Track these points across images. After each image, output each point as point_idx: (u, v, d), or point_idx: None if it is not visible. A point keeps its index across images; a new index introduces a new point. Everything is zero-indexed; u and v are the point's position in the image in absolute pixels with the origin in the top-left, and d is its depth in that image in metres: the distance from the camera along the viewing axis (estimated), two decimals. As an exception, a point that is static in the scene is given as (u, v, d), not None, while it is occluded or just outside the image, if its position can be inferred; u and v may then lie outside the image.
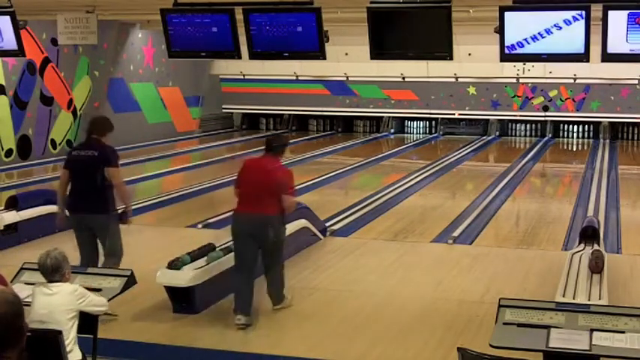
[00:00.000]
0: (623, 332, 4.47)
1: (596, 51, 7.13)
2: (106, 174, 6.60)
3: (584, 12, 7.07)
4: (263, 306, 6.89)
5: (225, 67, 23.05)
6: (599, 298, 6.26)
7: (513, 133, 22.84)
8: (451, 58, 7.65)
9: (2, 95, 16.03)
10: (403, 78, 22.19)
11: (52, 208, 9.64)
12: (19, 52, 9.58)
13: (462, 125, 22.94)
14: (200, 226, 10.08)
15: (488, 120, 22.64)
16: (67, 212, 6.89)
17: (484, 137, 22.28)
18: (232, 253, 6.80)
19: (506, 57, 7.47)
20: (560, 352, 4.41)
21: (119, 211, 6.88)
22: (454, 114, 22.58)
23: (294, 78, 22.80)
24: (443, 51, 7.63)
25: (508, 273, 8.08)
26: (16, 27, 9.30)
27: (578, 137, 22.45)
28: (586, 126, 22.35)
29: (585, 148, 20.79)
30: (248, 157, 7.48)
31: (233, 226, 6.61)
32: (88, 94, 18.73)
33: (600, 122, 21.88)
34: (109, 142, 6.82)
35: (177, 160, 17.26)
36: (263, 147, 6.81)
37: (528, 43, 7.28)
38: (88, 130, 6.84)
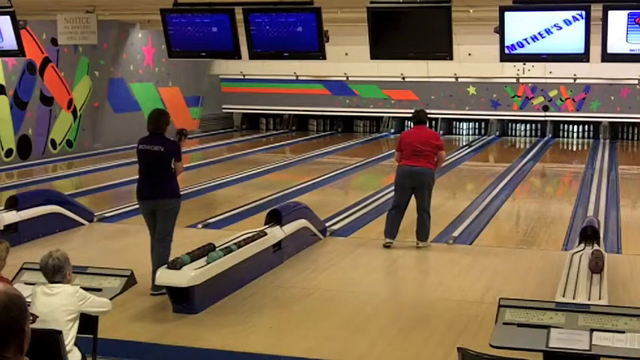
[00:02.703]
0: (623, 332, 4.47)
1: (596, 51, 7.13)
2: (172, 165, 7.22)
3: (584, 12, 7.07)
4: (264, 306, 6.90)
5: (225, 67, 23.03)
6: (599, 298, 6.26)
7: (513, 133, 22.83)
8: (451, 58, 7.65)
9: (2, 95, 16.02)
10: (403, 78, 22.18)
11: (52, 208, 9.67)
12: (19, 52, 9.58)
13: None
14: (200, 226, 10.07)
15: (488, 120, 22.66)
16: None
17: (484, 137, 22.31)
18: (232, 253, 7.24)
19: (506, 57, 7.47)
20: (560, 352, 4.41)
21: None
22: (454, 114, 22.58)
23: (294, 78, 22.77)
24: (443, 51, 7.64)
25: (508, 273, 8.08)
26: (16, 27, 9.31)
27: (578, 137, 22.44)
28: (586, 126, 22.34)
29: (585, 148, 20.77)
30: (404, 131, 9.63)
31: (398, 174, 8.89)
32: (88, 94, 18.72)
33: (600, 122, 21.86)
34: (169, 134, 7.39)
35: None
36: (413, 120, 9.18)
37: (528, 43, 7.28)
38: (147, 126, 7.34)
